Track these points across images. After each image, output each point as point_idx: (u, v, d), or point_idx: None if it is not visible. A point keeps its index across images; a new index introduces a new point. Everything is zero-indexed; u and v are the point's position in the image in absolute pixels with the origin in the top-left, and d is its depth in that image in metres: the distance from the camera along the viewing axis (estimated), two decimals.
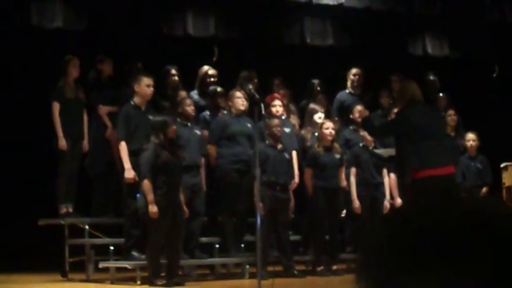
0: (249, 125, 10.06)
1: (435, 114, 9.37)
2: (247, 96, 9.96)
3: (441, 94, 12.19)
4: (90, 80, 10.42)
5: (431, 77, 12.44)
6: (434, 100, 11.85)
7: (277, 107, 10.45)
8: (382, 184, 10.66)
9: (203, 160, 9.96)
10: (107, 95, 10.35)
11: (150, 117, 9.21)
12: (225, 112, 10.26)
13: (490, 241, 1.03)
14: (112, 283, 9.32)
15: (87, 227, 9.92)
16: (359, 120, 10.85)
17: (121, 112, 9.49)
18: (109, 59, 10.50)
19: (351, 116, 11.12)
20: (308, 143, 10.72)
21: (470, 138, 11.44)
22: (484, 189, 11.53)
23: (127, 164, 9.20)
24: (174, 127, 9.01)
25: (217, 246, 10.21)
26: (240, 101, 10.12)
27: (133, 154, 9.18)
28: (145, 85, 9.47)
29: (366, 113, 10.36)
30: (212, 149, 10.11)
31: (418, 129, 8.15)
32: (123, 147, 9.29)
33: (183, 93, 10.35)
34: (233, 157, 9.99)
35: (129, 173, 9.17)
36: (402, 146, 8.46)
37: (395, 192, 10.63)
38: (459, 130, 11.73)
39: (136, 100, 9.49)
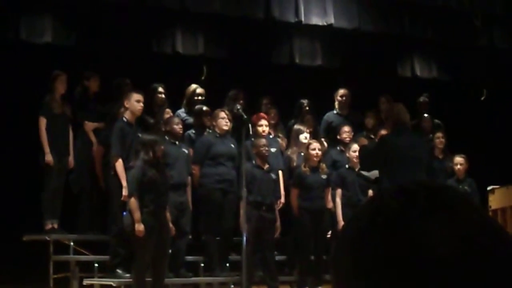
0: (233, 145, 10.06)
1: (418, 138, 9.36)
2: (235, 115, 9.95)
3: (425, 115, 12.16)
4: (76, 96, 10.40)
5: (422, 99, 12.43)
6: (419, 121, 11.87)
7: (264, 126, 10.43)
8: None
9: (189, 179, 9.95)
10: (93, 111, 10.34)
11: (139, 134, 9.19)
12: (209, 131, 10.25)
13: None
14: None
15: (72, 243, 9.88)
16: (347, 140, 10.88)
17: (116, 129, 9.42)
18: (96, 76, 10.49)
19: (338, 137, 11.13)
20: (295, 163, 10.70)
21: (458, 161, 11.25)
22: None
23: (125, 181, 9.10)
24: (162, 146, 9.00)
25: (202, 265, 10.18)
26: (223, 121, 10.09)
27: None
28: (135, 101, 9.46)
29: (365, 141, 10.29)
30: (196, 169, 10.08)
31: (398, 154, 8.08)
32: (120, 164, 9.24)
33: (167, 111, 10.35)
34: (216, 176, 9.95)
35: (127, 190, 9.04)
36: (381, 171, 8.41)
37: None
38: (447, 153, 11.71)
39: (127, 116, 9.48)
